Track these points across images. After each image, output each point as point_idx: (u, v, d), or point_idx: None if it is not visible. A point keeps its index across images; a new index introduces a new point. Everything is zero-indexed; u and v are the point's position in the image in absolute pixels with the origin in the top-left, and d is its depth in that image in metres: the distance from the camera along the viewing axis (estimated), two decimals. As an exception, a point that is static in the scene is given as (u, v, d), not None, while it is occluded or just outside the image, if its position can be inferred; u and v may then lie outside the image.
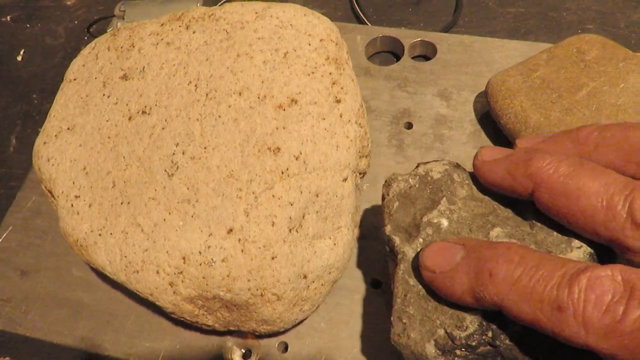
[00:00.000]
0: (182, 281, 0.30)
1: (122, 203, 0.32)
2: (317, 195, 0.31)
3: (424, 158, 0.41)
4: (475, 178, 0.29)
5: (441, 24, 0.52)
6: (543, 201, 0.24)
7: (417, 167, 0.31)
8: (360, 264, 0.38)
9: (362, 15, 0.52)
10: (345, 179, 0.32)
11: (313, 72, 0.32)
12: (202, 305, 0.31)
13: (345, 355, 0.35)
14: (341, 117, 0.32)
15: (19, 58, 0.57)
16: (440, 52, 0.46)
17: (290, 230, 0.30)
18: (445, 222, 0.28)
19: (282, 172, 0.30)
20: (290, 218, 0.30)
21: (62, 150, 0.35)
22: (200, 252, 0.29)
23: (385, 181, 0.31)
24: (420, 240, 0.28)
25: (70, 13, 0.59)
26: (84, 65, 0.37)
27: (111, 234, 0.32)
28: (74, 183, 0.34)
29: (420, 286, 0.26)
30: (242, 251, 0.29)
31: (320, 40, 0.33)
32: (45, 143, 0.36)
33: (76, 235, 0.33)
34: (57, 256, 0.41)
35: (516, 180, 0.25)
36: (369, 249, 0.38)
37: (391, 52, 0.49)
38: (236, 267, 0.29)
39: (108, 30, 0.45)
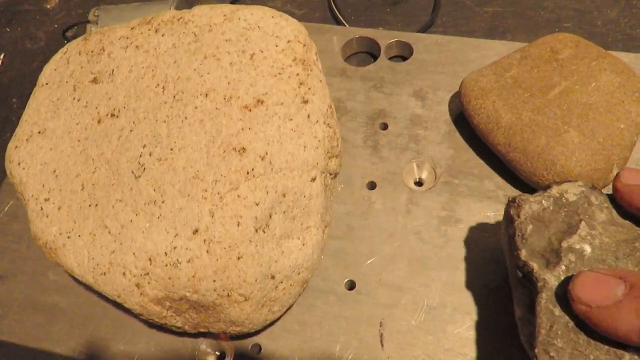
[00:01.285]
0: (149, 282, 0.30)
1: (90, 205, 0.32)
2: (284, 195, 0.31)
3: (399, 158, 0.41)
4: (613, 201, 0.28)
5: (419, 24, 0.52)
6: None
7: (549, 187, 0.29)
8: (335, 265, 0.38)
9: (339, 16, 0.53)
10: (313, 179, 0.32)
11: (280, 73, 0.32)
12: (169, 306, 0.31)
13: (319, 356, 0.35)
14: (309, 117, 0.32)
15: (-1, 62, 0.57)
16: (416, 52, 0.46)
17: (256, 230, 0.30)
18: (588, 249, 0.26)
19: (248, 172, 0.30)
20: (256, 218, 0.30)
21: (33, 154, 0.35)
22: (166, 253, 0.29)
23: (515, 201, 0.29)
24: (563, 267, 0.26)
25: (50, 17, 0.59)
26: (55, 69, 0.37)
27: (79, 236, 0.32)
28: (43, 186, 0.34)
29: (567, 317, 0.25)
30: (207, 252, 0.29)
31: (288, 41, 0.33)
32: (16, 147, 0.36)
33: (45, 237, 0.33)
34: (33, 260, 0.41)
35: None
36: (343, 250, 0.38)
37: (368, 52, 0.49)
38: (201, 267, 0.29)
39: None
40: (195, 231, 0.29)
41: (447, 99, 0.44)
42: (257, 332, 0.35)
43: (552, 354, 0.24)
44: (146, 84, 0.34)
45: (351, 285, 0.37)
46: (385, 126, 0.43)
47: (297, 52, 0.33)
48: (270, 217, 0.31)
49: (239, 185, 0.30)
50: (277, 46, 0.33)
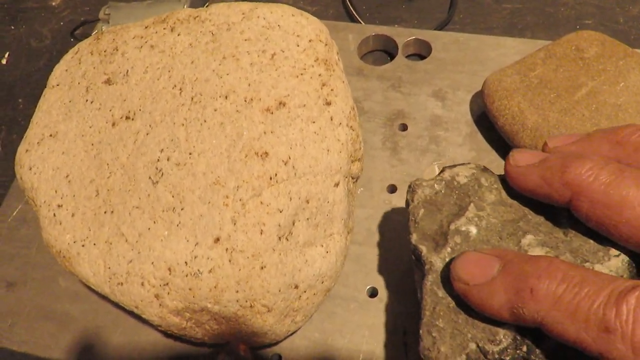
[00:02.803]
0: (168, 293, 0.29)
1: (105, 212, 0.31)
2: (307, 202, 0.30)
3: (419, 161, 0.40)
4: (504, 181, 0.28)
5: (436, 21, 0.51)
6: (582, 211, 0.23)
7: (442, 171, 0.29)
8: (356, 272, 0.36)
9: (354, 13, 0.51)
10: (336, 184, 0.31)
11: (302, 74, 0.31)
12: (189, 317, 0.30)
13: (340, 365, 0.34)
14: (332, 120, 0.31)
15: (4, 61, 0.55)
16: (435, 51, 0.45)
17: (279, 238, 0.29)
18: (474, 230, 0.27)
19: (270, 178, 0.29)
20: (279, 225, 0.28)
21: (45, 158, 0.34)
22: (186, 262, 0.28)
23: (410, 186, 0.30)
24: (449, 249, 0.26)
25: (55, 14, 0.57)
26: (66, 70, 0.36)
27: (95, 244, 0.31)
28: (56, 192, 0.32)
29: (449, 298, 0.25)
30: (229, 261, 0.28)
31: (309, 41, 0.32)
32: (27, 151, 0.34)
33: (59, 246, 0.32)
34: (43, 267, 0.40)
35: (552, 187, 0.24)
36: (364, 256, 0.37)
37: (385, 50, 0.48)
38: (224, 278, 0.28)
39: (93, 34, 0.44)
40: (217, 239, 0.28)
41: (467, 99, 0.43)
42: (277, 342, 0.34)
43: (434, 334, 0.25)
44: (162, 85, 0.32)
45: (373, 292, 0.36)
46: (404, 127, 0.42)
47: (319, 52, 0.32)
48: (294, 224, 0.29)
49: (261, 191, 0.28)
50: (298, 46, 0.32)
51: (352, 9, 0.51)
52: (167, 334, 0.35)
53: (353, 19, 0.52)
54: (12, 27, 0.58)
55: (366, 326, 0.35)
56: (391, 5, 0.53)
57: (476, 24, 0.50)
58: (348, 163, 0.32)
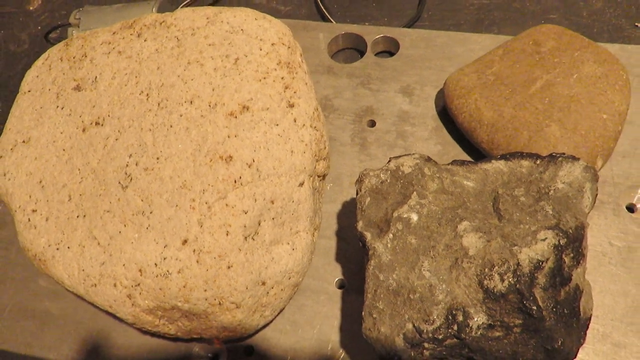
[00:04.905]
0: (140, 293, 0.30)
1: (78, 216, 0.32)
2: (272, 202, 0.31)
3: (387, 156, 0.41)
4: (447, 171, 0.30)
5: (405, 18, 0.52)
6: None
7: (388, 161, 0.31)
8: (325, 265, 0.38)
9: (325, 12, 0.52)
10: (301, 184, 0.32)
11: (265, 78, 0.32)
12: (161, 315, 0.31)
13: (311, 356, 0.35)
14: (295, 121, 0.32)
15: (-19, 66, 0.56)
16: (403, 48, 0.46)
17: (245, 238, 0.30)
18: (414, 217, 0.28)
19: (235, 181, 0.30)
20: (244, 226, 0.30)
21: (18, 163, 0.34)
22: (156, 264, 0.30)
23: (358, 177, 0.31)
24: (390, 235, 0.28)
25: (33, 19, 0.58)
26: (37, 76, 0.37)
27: (68, 247, 0.32)
28: (30, 197, 0.33)
29: (390, 281, 0.27)
30: (197, 262, 0.29)
31: (272, 44, 0.33)
32: (1, 157, 0.35)
33: (34, 249, 0.33)
34: (22, 266, 0.41)
35: None
36: (333, 249, 0.38)
37: (355, 48, 0.49)
38: (192, 277, 0.29)
39: (64, 41, 0.44)
40: (185, 241, 0.29)
41: (433, 95, 0.44)
42: (249, 335, 0.35)
43: (374, 315, 0.27)
44: (130, 91, 0.33)
45: (342, 284, 0.37)
46: (373, 123, 0.43)
47: (282, 55, 0.33)
48: (259, 224, 0.31)
49: (226, 194, 0.30)
50: (261, 49, 0.33)
51: (323, 8, 0.52)
52: (143, 330, 0.37)
53: (324, 18, 0.52)
54: (-10, 32, 0.58)
55: (335, 317, 0.36)
56: (362, 3, 0.54)
57: (445, 20, 0.51)
58: (313, 162, 0.33)
